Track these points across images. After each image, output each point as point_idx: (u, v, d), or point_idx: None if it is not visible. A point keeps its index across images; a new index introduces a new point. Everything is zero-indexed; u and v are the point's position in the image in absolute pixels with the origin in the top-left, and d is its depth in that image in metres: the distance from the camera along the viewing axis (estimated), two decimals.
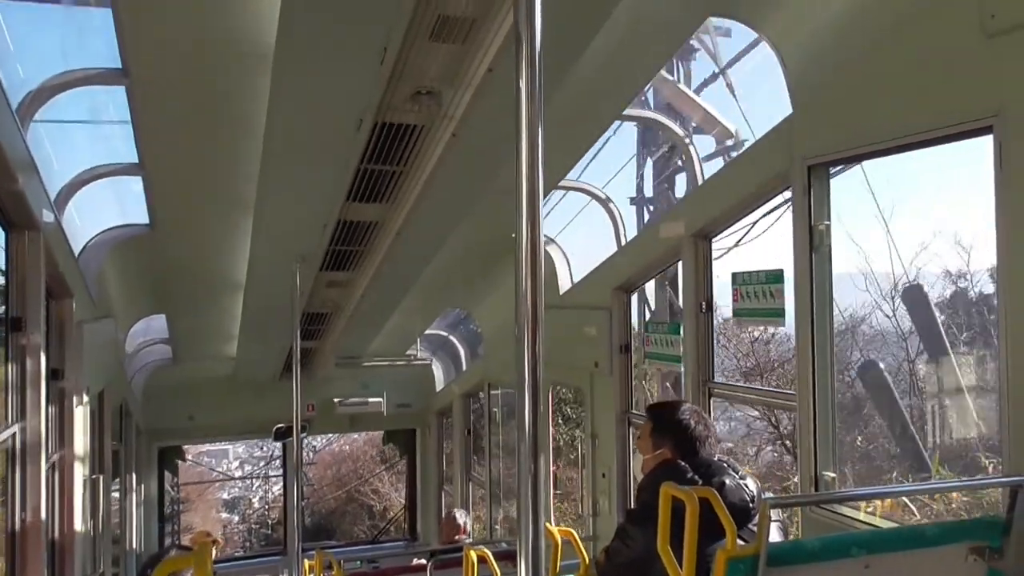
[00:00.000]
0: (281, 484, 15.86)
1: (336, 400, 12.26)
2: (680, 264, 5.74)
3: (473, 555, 4.62)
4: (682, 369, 5.84)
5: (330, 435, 23.74)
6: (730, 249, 5.71)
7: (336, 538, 19.67)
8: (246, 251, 7.29)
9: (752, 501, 2.93)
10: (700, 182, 5.92)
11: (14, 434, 4.18)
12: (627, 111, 5.98)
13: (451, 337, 12.92)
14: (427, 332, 12.43)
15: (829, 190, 4.34)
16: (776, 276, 4.80)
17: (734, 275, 5.23)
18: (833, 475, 4.26)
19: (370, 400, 12.47)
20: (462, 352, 12.76)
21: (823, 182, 4.35)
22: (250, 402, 11.64)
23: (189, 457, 22.90)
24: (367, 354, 11.89)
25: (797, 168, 4.38)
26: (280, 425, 11.70)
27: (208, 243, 7.69)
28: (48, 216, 4.67)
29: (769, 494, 2.89)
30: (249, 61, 4.60)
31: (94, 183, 6.30)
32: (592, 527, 7.11)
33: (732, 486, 2.91)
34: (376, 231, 6.92)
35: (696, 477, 2.95)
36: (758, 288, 4.96)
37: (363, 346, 11.36)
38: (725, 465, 3.03)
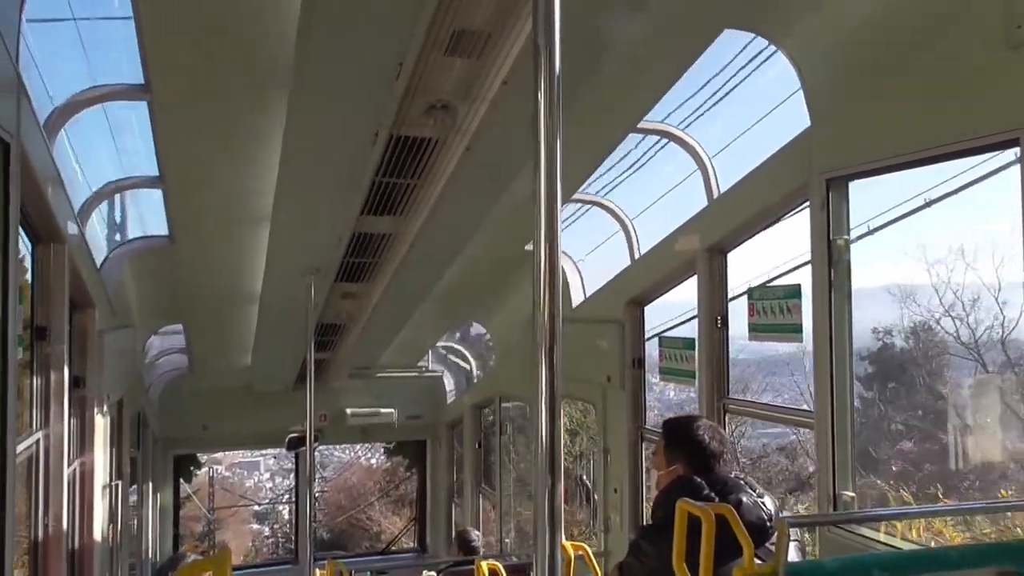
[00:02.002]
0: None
1: (348, 410, 12.29)
2: (696, 278, 5.72)
3: (485, 567, 4.60)
4: (696, 385, 5.79)
5: (339, 465, 24.64)
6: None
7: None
8: (262, 263, 7.34)
9: (770, 519, 2.89)
10: (716, 195, 5.90)
11: (38, 441, 4.23)
12: (641, 124, 5.98)
13: (462, 349, 12.93)
14: (439, 344, 12.44)
15: (848, 204, 4.31)
16: (794, 291, 4.76)
17: (750, 290, 5.18)
18: (852, 495, 4.21)
19: (381, 411, 12.49)
20: (473, 365, 12.77)
21: (842, 196, 4.32)
22: (264, 412, 11.69)
23: (222, 468, 24.09)
24: (379, 365, 11.92)
25: (815, 182, 4.36)
26: (293, 434, 11.74)
27: (225, 255, 7.75)
28: (73, 228, 4.73)
29: (787, 513, 2.85)
30: (267, 76, 4.65)
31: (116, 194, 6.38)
32: (604, 542, 7.06)
33: (749, 504, 2.87)
34: (390, 243, 6.95)
35: (712, 494, 2.91)
36: (775, 303, 4.91)
37: (376, 357, 11.39)
38: (742, 482, 2.98)
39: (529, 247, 8.11)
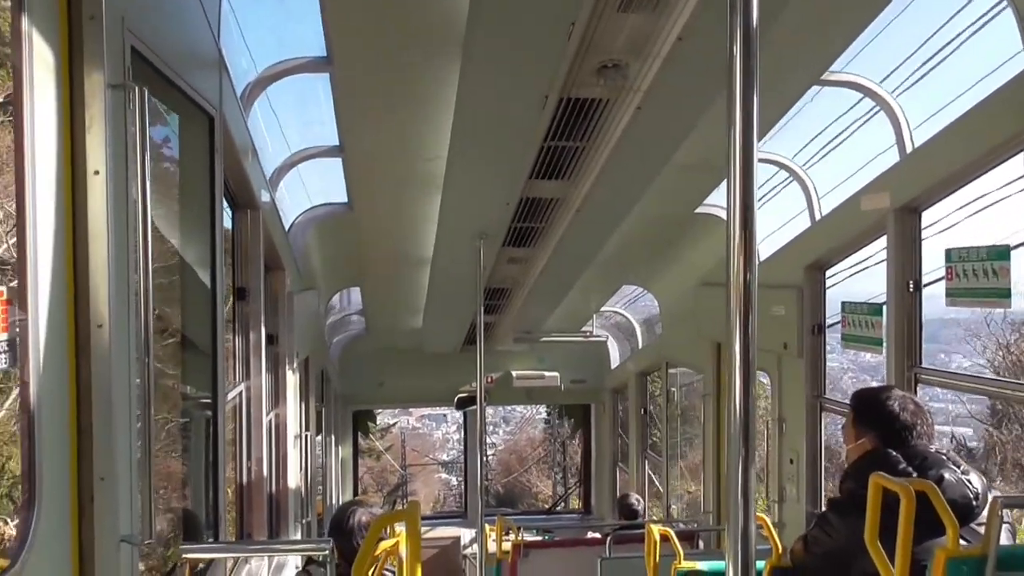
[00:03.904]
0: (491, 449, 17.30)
1: (514, 373, 12.64)
2: (885, 239, 5.31)
3: (656, 532, 4.58)
4: (884, 353, 5.42)
5: (520, 420, 26.24)
6: None
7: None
8: (433, 228, 7.61)
9: (976, 498, 2.67)
10: (909, 148, 5.41)
11: (241, 392, 4.67)
12: (825, 76, 5.57)
13: (627, 314, 12.84)
14: (603, 309, 12.43)
15: None
16: (1001, 252, 4.32)
17: (948, 251, 4.77)
18: None
19: (546, 374, 12.76)
20: (638, 330, 12.65)
21: None
22: (434, 372, 12.29)
23: (413, 420, 26.60)
24: (544, 330, 12.10)
25: None
26: (462, 393, 12.25)
27: (399, 221, 8.11)
28: (265, 196, 5.12)
29: (996, 492, 2.60)
30: (439, 44, 4.75)
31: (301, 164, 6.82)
32: (778, 513, 6.83)
33: (952, 481, 2.66)
34: (556, 208, 6.97)
35: (910, 468, 2.73)
36: (978, 266, 4.49)
37: (540, 322, 11.57)
38: (944, 458, 2.77)
39: (699, 209, 7.90)
